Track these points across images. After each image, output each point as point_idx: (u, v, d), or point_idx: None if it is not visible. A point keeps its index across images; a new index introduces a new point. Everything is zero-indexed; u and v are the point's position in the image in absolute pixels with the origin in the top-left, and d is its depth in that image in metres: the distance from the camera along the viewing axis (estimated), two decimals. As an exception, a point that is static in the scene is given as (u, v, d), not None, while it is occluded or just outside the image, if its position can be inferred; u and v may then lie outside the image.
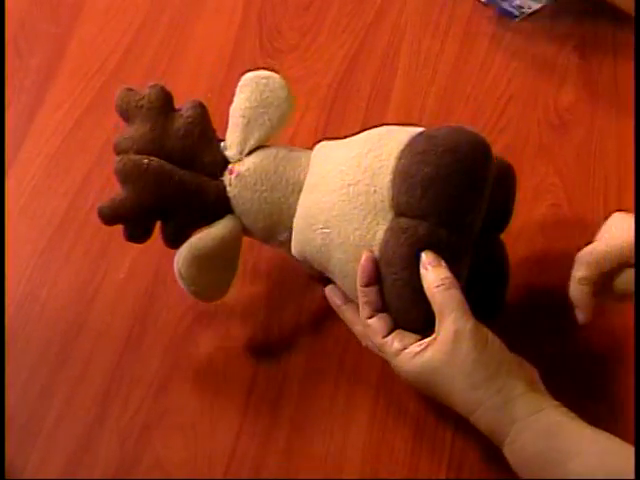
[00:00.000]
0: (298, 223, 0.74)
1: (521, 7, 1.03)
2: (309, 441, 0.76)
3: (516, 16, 1.03)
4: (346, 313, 0.76)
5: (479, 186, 0.69)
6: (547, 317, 0.80)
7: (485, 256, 0.74)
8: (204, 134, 0.76)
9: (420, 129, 0.72)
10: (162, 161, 0.74)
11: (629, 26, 0.99)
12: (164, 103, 0.76)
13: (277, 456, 0.75)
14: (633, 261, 0.72)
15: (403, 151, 0.70)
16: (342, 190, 0.71)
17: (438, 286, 0.68)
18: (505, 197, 0.78)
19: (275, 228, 0.75)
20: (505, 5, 1.02)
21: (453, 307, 0.67)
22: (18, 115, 0.96)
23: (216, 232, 0.74)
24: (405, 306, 0.70)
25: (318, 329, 0.81)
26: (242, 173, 0.74)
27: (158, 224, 0.75)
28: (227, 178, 0.75)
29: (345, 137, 0.76)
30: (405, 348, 0.69)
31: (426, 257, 0.68)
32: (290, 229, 0.74)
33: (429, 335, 0.69)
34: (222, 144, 0.76)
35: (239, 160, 0.75)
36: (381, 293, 0.70)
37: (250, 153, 0.75)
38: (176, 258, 0.74)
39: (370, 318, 0.71)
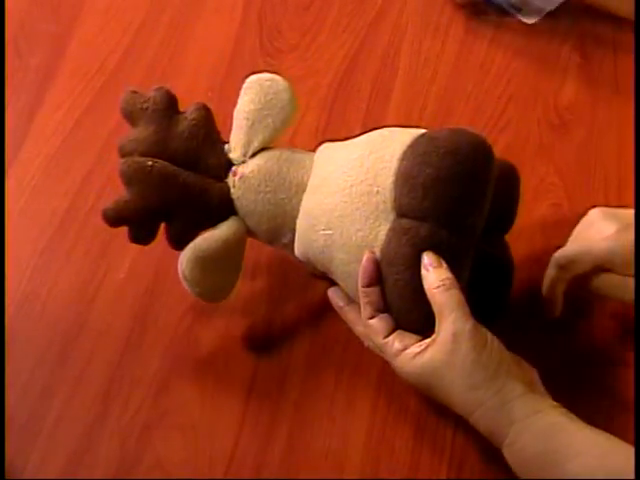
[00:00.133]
0: (301, 224, 0.74)
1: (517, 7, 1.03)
2: (310, 440, 0.76)
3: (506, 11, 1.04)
4: (348, 314, 0.76)
5: (481, 187, 0.69)
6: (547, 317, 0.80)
7: (489, 257, 0.74)
8: (208, 136, 0.76)
9: (422, 130, 0.72)
10: (166, 163, 0.74)
11: (629, 25, 0.99)
12: (169, 106, 0.76)
13: (277, 455, 0.75)
14: (609, 266, 0.73)
15: (405, 152, 0.70)
16: (344, 191, 0.71)
17: (438, 287, 0.68)
18: (509, 198, 0.78)
19: (279, 230, 0.75)
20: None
21: (452, 308, 0.67)
22: (18, 115, 0.96)
23: (220, 234, 0.74)
24: (406, 307, 0.70)
25: (318, 328, 0.81)
26: (246, 175, 0.74)
27: (162, 225, 0.75)
28: (231, 180, 0.75)
29: (346, 138, 0.76)
30: (405, 349, 0.69)
31: (427, 258, 0.68)
32: (294, 231, 0.74)
33: (430, 336, 0.69)
34: (226, 146, 0.76)
35: (243, 162, 0.75)
36: (382, 294, 0.70)
37: (254, 155, 0.75)
38: (180, 260, 0.74)
39: (371, 318, 0.71)
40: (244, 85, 0.76)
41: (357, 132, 0.76)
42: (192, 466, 0.75)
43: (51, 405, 0.77)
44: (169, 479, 0.75)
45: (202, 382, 0.79)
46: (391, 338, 0.71)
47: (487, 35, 1.03)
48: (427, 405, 0.76)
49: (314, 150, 0.77)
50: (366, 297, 0.71)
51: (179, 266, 0.74)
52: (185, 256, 0.73)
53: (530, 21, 1.03)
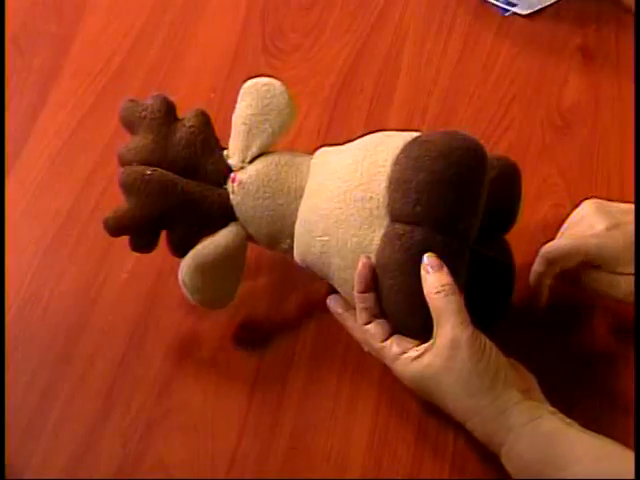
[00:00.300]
0: (298, 230, 0.74)
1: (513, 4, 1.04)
2: (312, 441, 0.76)
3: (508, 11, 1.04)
4: (347, 321, 0.76)
5: (474, 190, 0.69)
6: (548, 316, 0.80)
7: (488, 261, 0.74)
8: (207, 143, 0.76)
9: (416, 134, 0.72)
10: (165, 171, 0.74)
11: (631, 26, 0.99)
12: (167, 113, 0.76)
13: (280, 456, 0.75)
14: (598, 263, 0.74)
15: (398, 157, 0.70)
16: (339, 197, 0.71)
17: (438, 292, 0.67)
18: (509, 196, 0.78)
19: (278, 235, 0.75)
20: None
21: (451, 314, 0.67)
22: (21, 115, 0.96)
23: (220, 240, 0.74)
24: (402, 312, 0.70)
25: (321, 327, 0.81)
26: (244, 181, 0.75)
27: (163, 232, 0.76)
28: (230, 186, 0.75)
29: (348, 138, 0.76)
30: (404, 352, 0.69)
31: (428, 260, 0.68)
32: (293, 236, 0.75)
33: (427, 340, 0.69)
34: (225, 152, 0.76)
35: (242, 168, 0.75)
36: (379, 299, 0.70)
37: (253, 160, 0.75)
38: (180, 267, 0.74)
39: (368, 324, 0.71)
40: (241, 90, 0.77)
41: (359, 132, 0.76)
42: (194, 466, 0.75)
43: (53, 405, 0.77)
44: (171, 479, 0.75)
45: (204, 382, 0.79)
46: (389, 342, 0.71)
47: (489, 36, 1.03)
48: (429, 407, 0.76)
49: (316, 151, 0.77)
50: (362, 303, 0.71)
51: (179, 273, 0.74)
52: (185, 263, 0.74)
53: (524, 12, 1.03)
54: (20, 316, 0.82)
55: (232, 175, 0.75)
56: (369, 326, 0.71)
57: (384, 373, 0.77)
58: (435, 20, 1.04)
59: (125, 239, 0.76)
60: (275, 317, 0.83)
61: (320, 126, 0.95)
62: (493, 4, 1.05)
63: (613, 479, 0.62)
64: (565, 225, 0.79)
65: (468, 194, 0.69)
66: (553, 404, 0.69)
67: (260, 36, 1.03)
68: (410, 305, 0.69)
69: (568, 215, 0.80)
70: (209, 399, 0.78)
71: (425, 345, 0.69)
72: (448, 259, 0.68)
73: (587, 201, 0.78)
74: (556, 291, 0.77)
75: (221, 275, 0.75)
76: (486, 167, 0.70)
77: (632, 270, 0.73)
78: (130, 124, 0.77)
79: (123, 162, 0.76)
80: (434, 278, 0.67)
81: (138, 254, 0.78)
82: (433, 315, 0.68)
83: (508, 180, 0.77)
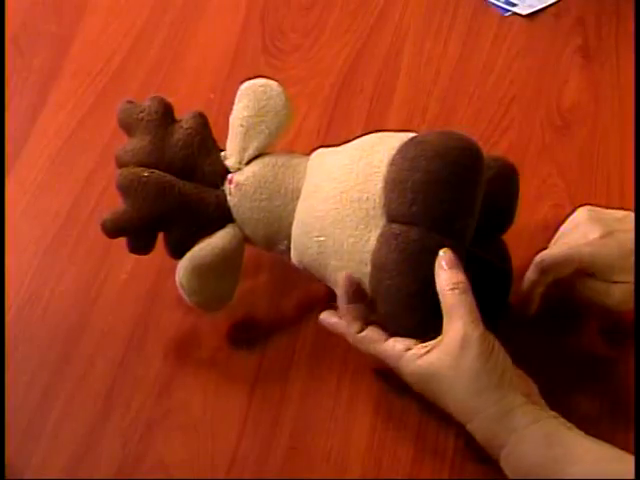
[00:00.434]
0: (295, 231, 0.74)
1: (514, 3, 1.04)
2: (312, 441, 0.76)
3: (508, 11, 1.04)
4: (340, 328, 0.75)
5: (470, 190, 0.69)
6: (547, 317, 0.80)
7: (485, 264, 0.74)
8: (204, 144, 0.76)
9: (412, 134, 0.72)
10: (162, 173, 0.74)
11: (631, 27, 0.99)
12: (164, 115, 0.76)
13: (280, 456, 0.75)
14: (591, 271, 0.74)
15: (394, 157, 0.70)
16: (335, 198, 0.71)
17: (452, 289, 0.67)
18: (507, 196, 0.78)
19: (276, 236, 0.76)
20: None
21: (464, 311, 0.67)
22: (21, 115, 0.96)
23: (217, 242, 0.74)
24: (399, 312, 0.70)
25: (321, 326, 0.81)
26: (241, 182, 0.75)
27: (161, 234, 0.76)
28: (227, 188, 0.75)
29: (347, 140, 0.76)
30: (408, 349, 0.69)
31: (444, 256, 0.68)
32: (290, 237, 0.75)
33: (423, 340, 0.69)
34: (222, 154, 0.76)
35: (239, 169, 0.75)
36: (374, 300, 0.70)
37: (250, 162, 0.75)
38: (177, 269, 0.74)
39: (361, 332, 0.71)
40: (238, 92, 0.77)
41: (359, 132, 0.76)
42: (194, 466, 0.75)
43: (53, 405, 0.77)
44: (171, 479, 0.75)
45: (204, 382, 0.79)
46: (391, 341, 0.70)
47: (489, 36, 1.03)
48: (429, 407, 0.76)
49: (314, 151, 0.77)
50: (352, 313, 0.71)
51: (176, 275, 0.74)
52: (182, 265, 0.74)
53: (524, 12, 1.03)
54: (20, 316, 0.82)
55: (229, 176, 0.75)
56: (363, 333, 0.71)
57: (384, 373, 0.77)
58: (435, 20, 1.04)
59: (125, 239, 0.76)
60: (275, 316, 0.83)
61: (320, 126, 0.95)
62: (493, 4, 1.05)
63: (613, 479, 0.62)
64: (559, 233, 0.79)
65: (464, 194, 0.69)
66: (552, 405, 0.69)
67: (260, 36, 1.03)
68: (407, 305, 0.69)
69: (568, 215, 0.80)
70: (209, 399, 0.78)
71: (432, 342, 0.68)
72: None
73: (581, 208, 0.79)
74: (556, 292, 0.77)
75: (218, 277, 0.75)
76: (482, 167, 0.70)
77: (626, 278, 0.73)
78: (127, 126, 0.77)
79: (120, 164, 0.76)
80: (448, 275, 0.67)
81: (137, 255, 0.78)
82: (444, 311, 0.68)
83: (505, 180, 0.77)
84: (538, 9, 1.04)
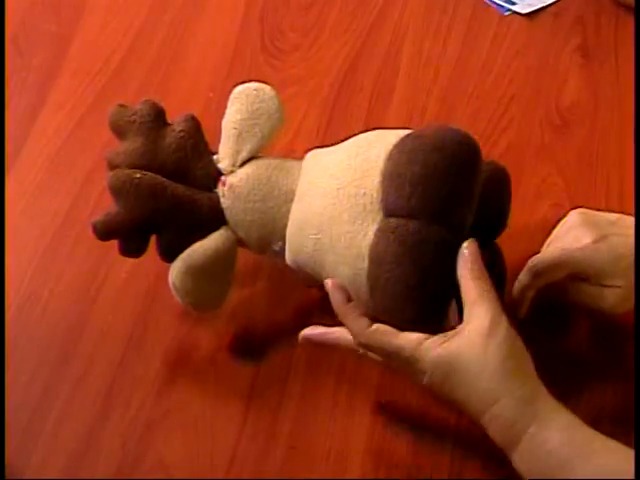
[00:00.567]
0: (291, 231, 0.74)
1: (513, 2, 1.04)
2: (311, 441, 0.76)
3: (508, 10, 1.04)
4: (342, 337, 0.73)
5: (468, 182, 0.69)
6: (547, 317, 0.80)
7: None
8: (196, 147, 0.76)
9: (408, 131, 0.72)
10: (154, 175, 0.74)
11: (631, 26, 0.99)
12: (156, 118, 0.76)
13: (279, 455, 0.75)
14: (584, 276, 0.74)
15: (391, 152, 0.70)
16: (332, 194, 0.71)
17: (479, 278, 0.67)
18: (499, 201, 0.77)
19: (269, 238, 0.76)
20: None
21: (490, 298, 0.67)
22: (20, 115, 0.96)
23: (210, 244, 0.74)
24: (399, 305, 0.69)
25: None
26: (235, 184, 0.75)
27: (154, 236, 0.76)
28: (220, 190, 0.75)
29: (347, 138, 0.76)
30: (427, 338, 0.67)
31: (469, 247, 0.68)
32: (284, 239, 0.75)
33: (426, 332, 0.68)
34: (215, 157, 0.76)
35: (232, 172, 0.76)
36: (372, 295, 0.70)
37: (243, 164, 0.76)
38: (170, 270, 0.74)
39: (371, 326, 0.69)
40: (231, 96, 0.77)
41: (358, 132, 0.76)
42: (193, 466, 0.75)
43: (52, 405, 0.78)
44: (171, 479, 0.75)
45: (203, 382, 0.79)
46: (405, 332, 0.68)
47: (489, 35, 1.03)
48: (429, 407, 0.76)
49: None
50: (355, 310, 0.70)
51: (169, 277, 0.74)
52: (175, 267, 0.74)
53: (524, 11, 1.04)
54: (19, 316, 0.82)
55: (222, 179, 0.75)
56: (375, 327, 0.69)
57: (383, 373, 0.77)
58: (434, 19, 1.04)
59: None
60: (275, 317, 0.83)
61: (319, 125, 0.95)
62: (493, 3, 1.05)
63: (614, 479, 0.62)
64: (552, 236, 0.79)
65: (463, 186, 0.69)
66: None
67: (259, 36, 1.03)
68: (408, 296, 0.68)
69: (567, 214, 0.80)
70: (208, 399, 0.78)
71: (450, 332, 0.67)
72: (444, 251, 0.68)
73: (574, 211, 0.78)
74: (548, 294, 0.77)
75: (211, 278, 0.75)
76: (479, 160, 0.70)
77: (619, 283, 0.73)
78: (119, 129, 0.77)
79: (112, 166, 0.76)
80: (472, 266, 0.67)
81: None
82: (467, 301, 0.67)
83: (497, 183, 0.77)
84: (538, 8, 1.04)
